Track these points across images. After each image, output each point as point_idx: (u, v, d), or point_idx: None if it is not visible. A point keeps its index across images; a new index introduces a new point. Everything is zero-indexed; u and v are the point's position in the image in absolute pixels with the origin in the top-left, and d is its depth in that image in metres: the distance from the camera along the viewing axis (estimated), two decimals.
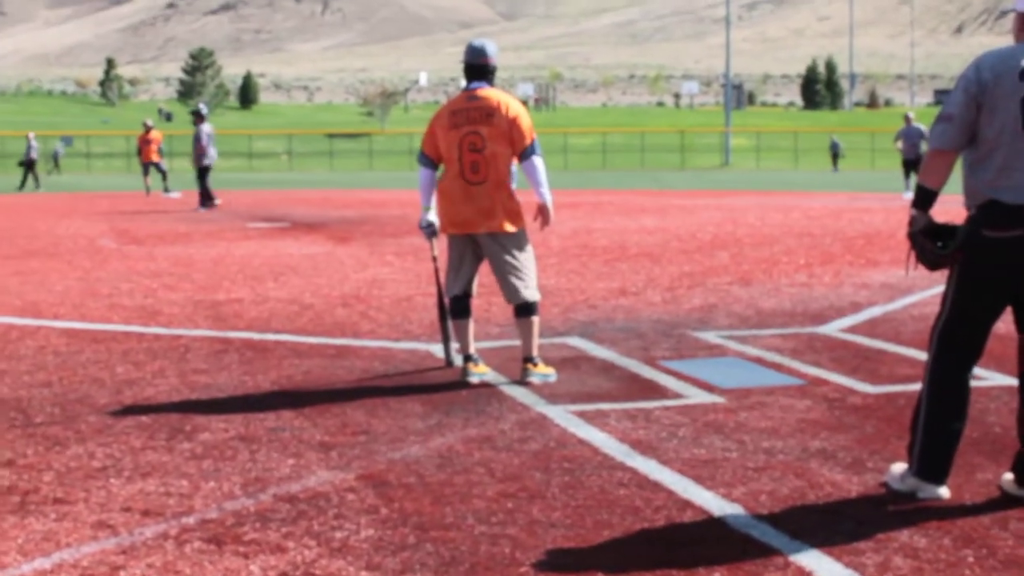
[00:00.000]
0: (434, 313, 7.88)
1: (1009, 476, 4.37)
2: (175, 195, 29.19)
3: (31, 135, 37.71)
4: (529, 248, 6.55)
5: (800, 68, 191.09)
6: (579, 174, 49.75)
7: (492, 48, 6.58)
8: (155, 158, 30.01)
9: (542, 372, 6.42)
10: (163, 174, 29.99)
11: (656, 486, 4.48)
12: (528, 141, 6.39)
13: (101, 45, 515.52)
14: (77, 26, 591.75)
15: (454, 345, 6.84)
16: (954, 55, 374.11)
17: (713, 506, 4.23)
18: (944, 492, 4.29)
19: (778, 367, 6.78)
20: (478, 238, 6.46)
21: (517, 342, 6.84)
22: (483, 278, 6.86)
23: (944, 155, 4.21)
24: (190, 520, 4.13)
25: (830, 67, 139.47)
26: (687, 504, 4.26)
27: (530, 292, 6.45)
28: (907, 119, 26.97)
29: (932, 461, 4.27)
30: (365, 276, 11.49)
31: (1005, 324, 4.50)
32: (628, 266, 12.19)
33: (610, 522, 4.07)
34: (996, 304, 4.25)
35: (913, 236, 4.30)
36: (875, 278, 11.00)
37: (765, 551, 3.78)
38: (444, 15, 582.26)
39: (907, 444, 4.41)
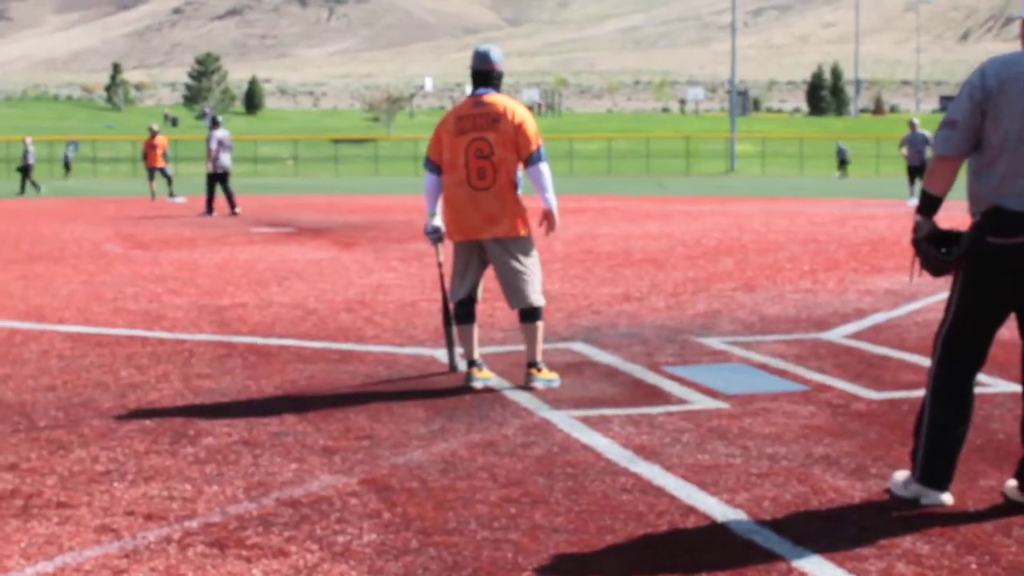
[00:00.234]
0: (438, 318, 7.90)
1: (1012, 483, 4.36)
2: (180, 200, 29.22)
3: (28, 140, 37.77)
4: (535, 253, 6.55)
5: (805, 74, 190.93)
6: (584, 180, 49.74)
7: (498, 54, 6.56)
8: (160, 163, 30.07)
9: (546, 377, 6.42)
10: (168, 179, 30.03)
11: (659, 491, 4.48)
12: (534, 147, 6.39)
13: (108, 50, 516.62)
14: (84, 31, 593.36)
15: (458, 350, 6.84)
16: (960, 61, 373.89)
17: (716, 512, 4.23)
18: (947, 498, 4.29)
19: (782, 373, 6.78)
20: (484, 244, 6.46)
21: (521, 347, 6.84)
22: (488, 283, 6.87)
23: (948, 161, 4.20)
24: (193, 524, 4.13)
25: (836, 73, 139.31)
26: (690, 510, 4.26)
27: (535, 297, 6.45)
28: (912, 125, 26.98)
29: (935, 467, 4.26)
30: (370, 281, 11.50)
31: (1009, 331, 4.50)
32: (632, 272, 12.19)
33: (613, 527, 4.07)
34: (1000, 310, 4.24)
35: (917, 242, 4.29)
36: (879, 284, 10.99)
37: (768, 557, 3.77)
38: (449, 21, 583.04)
39: (910, 450, 4.41)
